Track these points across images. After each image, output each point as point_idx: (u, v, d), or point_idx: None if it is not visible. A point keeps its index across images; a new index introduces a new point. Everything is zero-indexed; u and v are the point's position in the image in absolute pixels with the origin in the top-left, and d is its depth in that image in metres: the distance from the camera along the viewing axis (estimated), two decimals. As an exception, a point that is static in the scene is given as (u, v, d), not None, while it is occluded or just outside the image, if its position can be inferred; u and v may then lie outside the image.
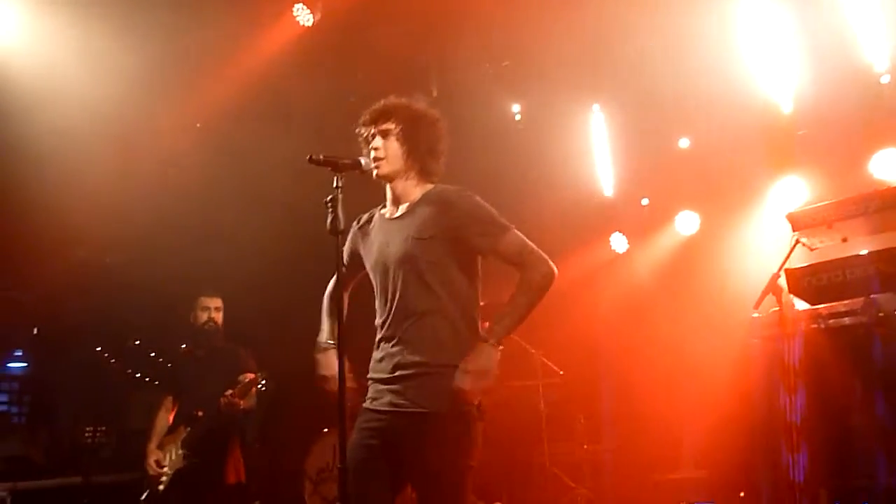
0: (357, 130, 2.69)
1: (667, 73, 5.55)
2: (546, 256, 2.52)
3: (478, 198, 2.60)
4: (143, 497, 4.47)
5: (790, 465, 3.46)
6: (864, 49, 4.83)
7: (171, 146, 5.81)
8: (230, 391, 4.37)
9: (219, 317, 4.81)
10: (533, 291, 2.48)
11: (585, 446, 5.78)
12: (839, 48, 4.89)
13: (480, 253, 2.59)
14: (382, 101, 2.67)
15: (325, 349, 2.71)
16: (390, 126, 2.61)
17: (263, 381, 4.44)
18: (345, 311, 2.59)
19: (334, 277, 2.70)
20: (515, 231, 2.55)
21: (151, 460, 4.48)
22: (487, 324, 2.57)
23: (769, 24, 5.20)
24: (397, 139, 2.60)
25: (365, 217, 2.79)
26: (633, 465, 5.76)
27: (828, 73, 4.99)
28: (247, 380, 4.42)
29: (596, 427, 5.93)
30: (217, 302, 4.84)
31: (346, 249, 2.71)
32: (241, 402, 4.39)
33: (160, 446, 4.54)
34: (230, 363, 4.65)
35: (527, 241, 2.55)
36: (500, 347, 2.44)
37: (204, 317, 4.75)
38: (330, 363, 2.59)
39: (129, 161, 5.72)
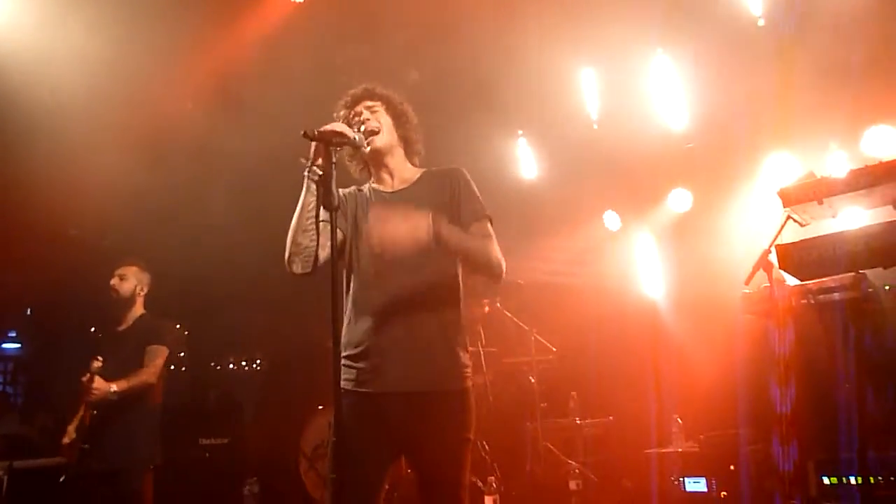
0: (336, 113, 2.71)
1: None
2: (503, 258, 2.61)
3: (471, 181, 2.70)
4: (62, 479, 4.28)
5: (778, 439, 3.50)
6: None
7: (166, 127, 5.77)
8: (86, 376, 4.10)
9: (124, 286, 4.48)
10: (483, 253, 2.57)
11: (578, 421, 5.85)
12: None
13: (459, 224, 2.60)
14: (361, 86, 2.75)
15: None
16: (376, 103, 2.71)
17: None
18: None
19: None
20: (490, 222, 2.65)
21: (64, 441, 4.29)
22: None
23: None
24: (386, 113, 2.71)
25: (347, 190, 2.75)
26: (625, 439, 5.84)
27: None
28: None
29: (588, 403, 5.99)
30: (123, 270, 4.51)
31: (332, 236, 2.53)
32: (98, 386, 4.07)
33: (78, 427, 4.28)
34: (137, 338, 4.40)
35: (494, 237, 2.64)
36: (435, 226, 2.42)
37: (111, 285, 4.48)
38: None
39: (125, 142, 5.68)
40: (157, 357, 4.35)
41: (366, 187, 2.78)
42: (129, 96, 5.50)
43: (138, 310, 4.55)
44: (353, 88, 2.75)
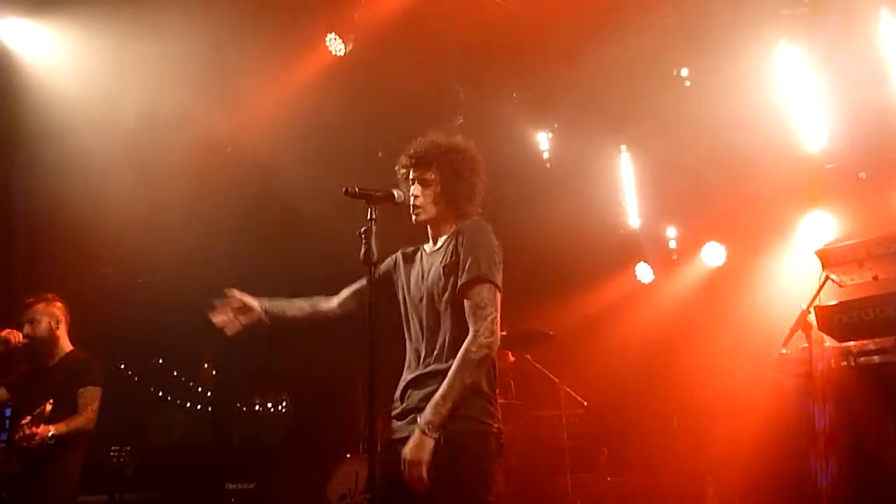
0: (397, 168, 2.73)
1: (698, 107, 5.59)
2: (497, 330, 2.46)
3: (490, 236, 2.58)
4: None
5: (819, 505, 3.40)
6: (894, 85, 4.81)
7: (205, 171, 5.91)
8: (25, 420, 3.65)
9: (38, 329, 3.99)
10: (467, 367, 2.41)
11: (609, 478, 5.72)
12: (870, 84, 4.89)
13: (455, 285, 2.52)
14: (424, 144, 2.67)
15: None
16: (430, 175, 2.64)
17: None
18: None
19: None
20: (494, 289, 2.50)
21: None
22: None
23: (799, 63, 5.22)
24: (437, 187, 2.63)
25: (411, 249, 2.82)
26: (657, 499, 5.69)
27: (858, 109, 4.98)
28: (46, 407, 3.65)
29: (620, 459, 5.86)
30: (29, 314, 4.02)
31: (370, 292, 2.62)
32: (39, 432, 3.62)
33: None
34: (69, 377, 3.95)
35: (495, 306, 2.48)
36: (435, 436, 2.37)
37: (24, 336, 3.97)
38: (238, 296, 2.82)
39: (163, 185, 5.84)
40: (94, 400, 3.91)
41: (420, 250, 2.79)
42: (169, 143, 5.65)
43: (65, 345, 4.10)
44: (416, 143, 2.69)
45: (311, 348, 7.12)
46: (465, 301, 2.49)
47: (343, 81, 5.66)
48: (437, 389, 2.43)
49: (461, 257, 2.52)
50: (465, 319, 2.49)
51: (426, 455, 2.34)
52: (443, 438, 2.39)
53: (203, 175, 5.99)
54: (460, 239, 2.56)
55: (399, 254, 2.82)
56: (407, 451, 2.37)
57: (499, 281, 2.54)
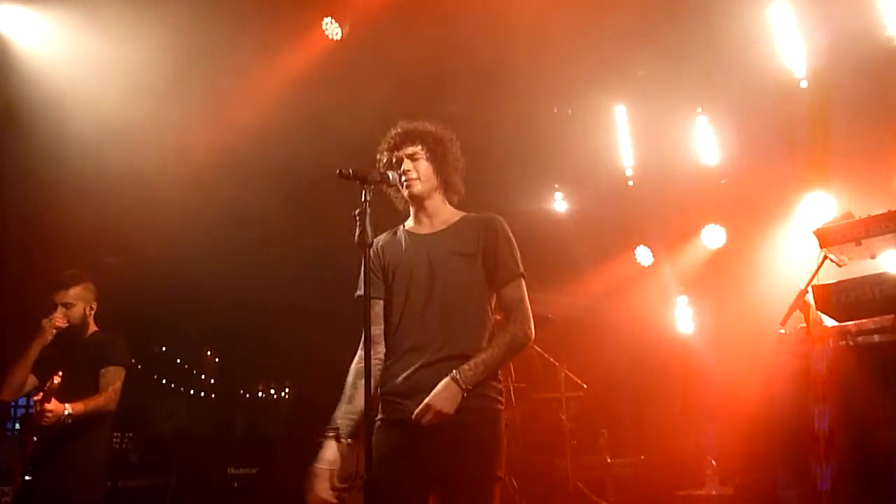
0: (379, 156, 2.77)
1: (696, 80, 5.57)
2: (532, 320, 2.61)
3: (509, 230, 2.72)
4: None
5: (816, 484, 3.41)
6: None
7: (200, 157, 5.89)
8: (37, 397, 3.62)
9: (73, 313, 3.90)
10: (511, 349, 2.58)
11: (609, 460, 5.75)
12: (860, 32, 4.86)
13: (489, 280, 2.65)
14: (405, 126, 2.76)
15: (328, 437, 2.56)
16: (417, 149, 2.72)
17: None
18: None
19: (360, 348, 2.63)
20: (524, 281, 2.66)
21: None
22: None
23: (793, 19, 5.21)
24: (426, 160, 2.72)
25: (382, 238, 2.80)
26: (657, 480, 5.71)
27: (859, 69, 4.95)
28: (54, 382, 3.58)
29: (619, 441, 5.89)
30: (64, 297, 3.90)
31: (363, 276, 2.60)
32: (53, 409, 3.57)
33: (20, 456, 3.81)
34: (91, 358, 3.89)
35: (527, 296, 2.65)
36: (465, 394, 2.45)
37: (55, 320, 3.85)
38: (324, 457, 2.53)
39: (161, 170, 5.82)
40: (116, 380, 3.86)
41: (400, 231, 2.81)
42: (168, 123, 5.61)
43: (91, 327, 4.03)
44: (396, 127, 2.76)
45: (314, 335, 7.14)
46: (505, 293, 2.63)
47: (339, 64, 5.63)
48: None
49: (496, 251, 2.65)
50: (483, 307, 2.62)
51: (452, 409, 2.42)
52: (467, 413, 2.44)
53: (199, 160, 5.97)
54: (489, 233, 2.67)
55: (377, 244, 2.76)
56: (437, 397, 2.41)
57: None
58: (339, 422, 2.58)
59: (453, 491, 2.46)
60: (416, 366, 2.55)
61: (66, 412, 3.61)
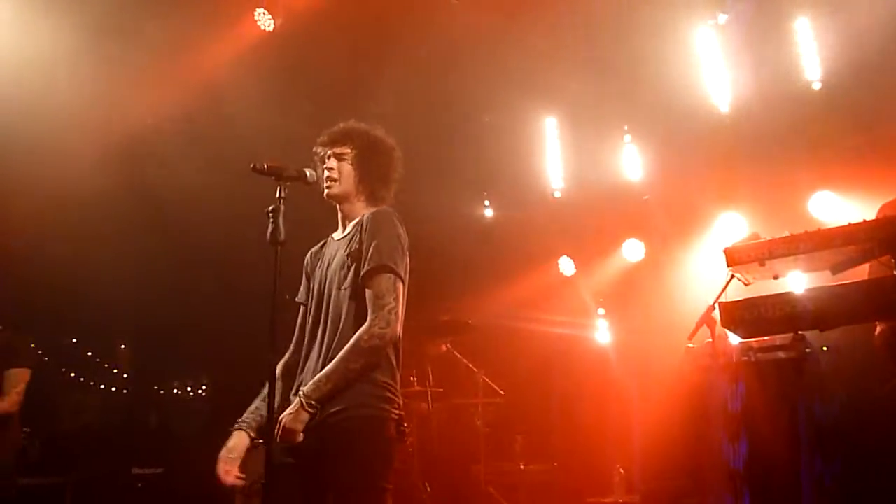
0: (314, 149, 2.71)
1: (623, 98, 5.71)
2: (396, 322, 2.43)
3: (398, 228, 2.55)
4: None
5: (731, 494, 3.54)
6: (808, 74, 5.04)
7: (124, 147, 5.69)
8: None
9: None
10: (359, 354, 2.39)
11: (522, 466, 5.82)
12: (781, 72, 5.09)
13: (357, 274, 2.49)
14: (342, 125, 2.71)
15: (234, 429, 2.58)
16: (346, 150, 2.66)
17: None
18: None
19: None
20: (396, 280, 2.47)
21: None
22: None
23: (720, 50, 5.41)
24: (351, 163, 2.65)
25: (317, 247, 2.79)
26: (568, 486, 5.81)
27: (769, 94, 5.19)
28: None
29: (533, 448, 5.96)
30: None
31: (303, 284, 2.73)
32: None
33: None
34: None
35: (396, 296, 2.45)
36: (312, 411, 2.36)
37: None
38: (227, 444, 2.54)
39: (77, 153, 5.57)
40: (20, 382, 3.82)
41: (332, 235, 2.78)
42: (93, 106, 5.40)
43: None
44: (334, 126, 2.70)
45: (234, 333, 6.96)
46: (366, 290, 2.47)
47: (270, 58, 5.53)
48: None
49: (364, 245, 2.50)
50: (354, 309, 2.47)
51: (300, 426, 2.36)
52: (335, 425, 2.37)
53: (121, 151, 5.76)
54: (364, 227, 2.54)
55: (309, 254, 2.79)
56: (284, 416, 2.38)
57: (402, 271, 2.51)
58: (247, 416, 2.61)
59: (336, 501, 2.40)
60: (300, 382, 2.54)
61: None
